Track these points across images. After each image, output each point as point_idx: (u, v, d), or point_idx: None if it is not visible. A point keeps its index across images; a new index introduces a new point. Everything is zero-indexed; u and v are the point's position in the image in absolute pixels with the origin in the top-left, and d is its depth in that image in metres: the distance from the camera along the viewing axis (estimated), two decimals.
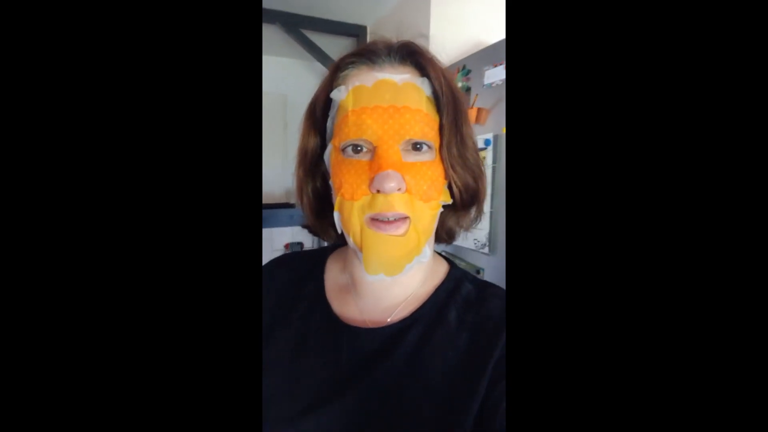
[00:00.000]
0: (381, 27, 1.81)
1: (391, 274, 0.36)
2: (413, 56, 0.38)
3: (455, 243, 1.16)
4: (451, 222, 0.42)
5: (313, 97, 0.41)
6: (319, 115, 0.40)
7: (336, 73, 0.38)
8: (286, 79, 2.31)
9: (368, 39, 2.00)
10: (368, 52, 0.37)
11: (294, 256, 0.50)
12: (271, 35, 1.88)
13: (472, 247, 1.11)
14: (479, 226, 0.47)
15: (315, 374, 0.38)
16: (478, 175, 0.40)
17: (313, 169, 0.42)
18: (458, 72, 1.13)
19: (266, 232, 2.14)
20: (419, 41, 0.40)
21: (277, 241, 2.21)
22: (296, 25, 1.76)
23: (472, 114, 1.07)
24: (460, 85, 1.11)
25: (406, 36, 0.40)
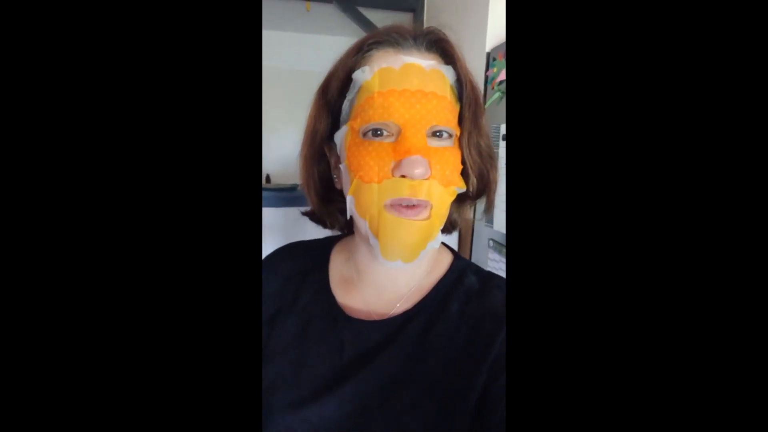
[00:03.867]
0: (438, 1, 1.73)
1: (408, 261, 0.36)
2: (439, 43, 0.37)
3: (502, 231, 1.11)
4: (451, 210, 0.41)
5: (327, 76, 0.40)
6: (335, 95, 0.39)
7: (358, 53, 0.37)
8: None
9: (425, 13, 1.91)
10: (395, 34, 0.37)
11: (299, 245, 0.50)
12: (326, 14, 1.89)
13: None
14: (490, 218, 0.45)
15: (318, 364, 0.38)
16: (491, 165, 0.40)
17: (321, 153, 0.41)
18: None
19: (294, 212, 2.22)
20: (444, 31, 0.39)
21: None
22: (353, 3, 1.74)
23: None
24: None
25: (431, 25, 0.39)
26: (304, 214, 0.46)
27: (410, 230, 0.35)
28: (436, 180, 0.34)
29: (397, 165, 0.34)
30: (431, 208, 0.35)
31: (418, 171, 0.33)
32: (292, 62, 2.17)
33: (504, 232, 1.16)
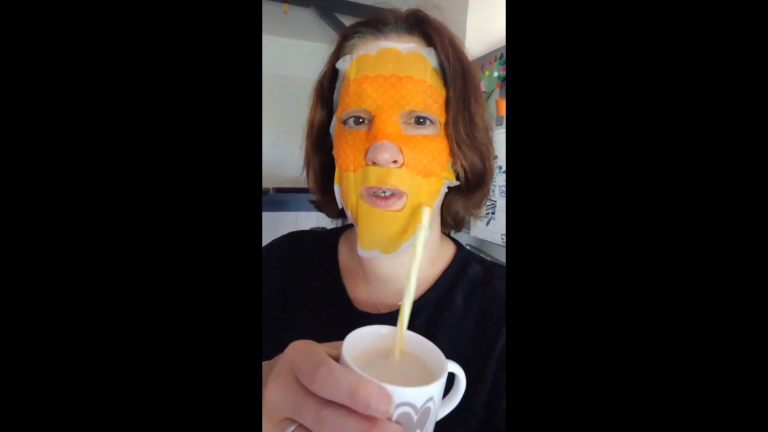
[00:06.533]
0: None
1: (387, 252, 0.35)
2: (420, 24, 0.36)
3: (479, 237, 1.13)
4: (458, 206, 0.40)
5: (322, 69, 0.40)
6: (326, 87, 0.39)
7: (343, 42, 0.37)
8: (317, 64, 2.30)
9: None
10: (375, 21, 0.36)
11: (304, 234, 0.49)
12: (305, 20, 1.87)
13: (499, 242, 1.08)
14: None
15: None
16: (485, 156, 0.37)
17: (320, 143, 0.40)
18: (495, 60, 1.08)
19: (292, 216, 2.18)
20: (432, 12, 0.37)
21: (302, 224, 2.25)
22: (330, 9, 1.74)
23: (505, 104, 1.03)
24: (496, 74, 1.07)
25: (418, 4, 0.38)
26: (311, 201, 0.46)
27: (384, 220, 0.34)
28: (410, 168, 0.33)
29: (367, 151, 0.33)
30: (407, 198, 0.33)
31: (384, 156, 0.31)
32: (268, 66, 2.13)
33: (481, 237, 1.18)
